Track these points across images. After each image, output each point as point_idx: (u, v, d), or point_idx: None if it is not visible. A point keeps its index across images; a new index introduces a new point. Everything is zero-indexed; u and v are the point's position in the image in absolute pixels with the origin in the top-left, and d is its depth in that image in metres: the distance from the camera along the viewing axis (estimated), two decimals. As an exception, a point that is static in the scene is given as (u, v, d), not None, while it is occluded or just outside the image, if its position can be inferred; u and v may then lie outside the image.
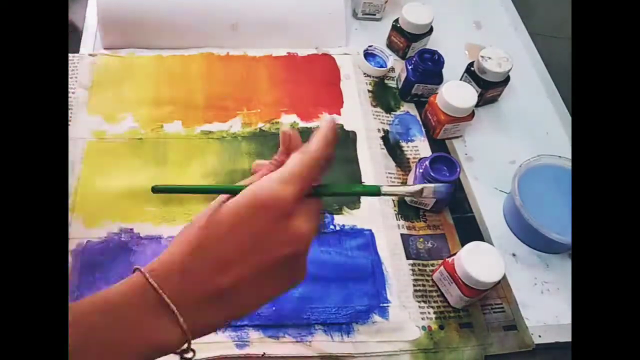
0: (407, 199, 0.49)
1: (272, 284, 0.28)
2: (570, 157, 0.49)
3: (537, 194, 0.47)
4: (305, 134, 0.54)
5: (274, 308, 0.42)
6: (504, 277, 0.46)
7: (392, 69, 0.60)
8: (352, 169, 0.51)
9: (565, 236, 0.44)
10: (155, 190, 0.29)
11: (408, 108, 0.57)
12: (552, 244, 0.46)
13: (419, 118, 0.56)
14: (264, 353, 0.40)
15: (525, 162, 0.48)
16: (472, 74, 0.56)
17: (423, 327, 0.42)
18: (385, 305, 0.43)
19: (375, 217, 0.48)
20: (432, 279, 0.45)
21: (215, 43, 0.58)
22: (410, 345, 0.41)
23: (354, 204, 0.48)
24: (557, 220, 0.45)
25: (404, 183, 0.51)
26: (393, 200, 0.49)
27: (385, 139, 0.54)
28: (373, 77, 0.59)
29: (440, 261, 0.44)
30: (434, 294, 0.44)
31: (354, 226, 0.47)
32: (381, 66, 0.59)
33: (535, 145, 0.53)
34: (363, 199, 0.49)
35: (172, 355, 0.26)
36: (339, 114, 0.55)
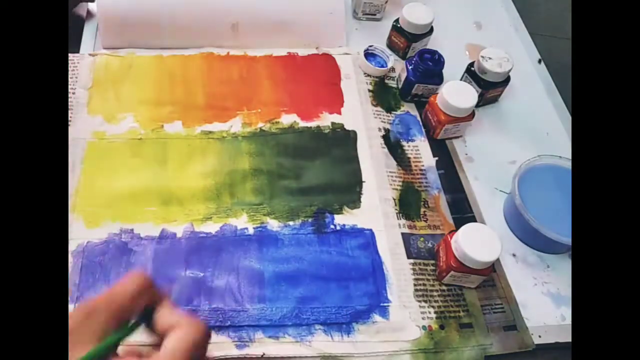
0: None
1: None
2: (570, 157, 0.49)
3: (537, 194, 0.47)
4: (306, 133, 0.54)
5: (273, 308, 0.42)
6: (505, 277, 0.46)
7: (393, 69, 0.60)
8: (352, 168, 0.51)
9: (565, 236, 0.44)
10: None
11: (408, 108, 0.57)
12: (552, 244, 0.46)
13: (419, 118, 0.56)
14: (264, 353, 0.40)
15: (525, 162, 0.48)
16: (472, 74, 0.56)
17: (423, 327, 0.42)
18: (385, 305, 0.43)
19: (375, 216, 0.48)
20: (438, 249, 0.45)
21: (215, 43, 0.58)
22: (411, 345, 0.41)
23: (354, 204, 0.48)
24: (557, 220, 0.45)
25: (405, 181, 0.51)
26: (394, 199, 0.49)
27: (386, 137, 0.54)
28: (373, 77, 0.59)
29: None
30: (435, 293, 0.44)
31: (355, 226, 0.47)
32: (382, 66, 0.59)
33: (536, 146, 0.53)
34: (364, 198, 0.49)
35: None
36: (340, 113, 0.55)
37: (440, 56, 0.55)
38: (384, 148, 0.53)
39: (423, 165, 0.52)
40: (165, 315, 0.27)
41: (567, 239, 0.44)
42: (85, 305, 0.26)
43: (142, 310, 0.28)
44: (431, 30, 0.60)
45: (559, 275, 0.47)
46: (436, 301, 0.44)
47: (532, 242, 0.48)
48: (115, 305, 0.27)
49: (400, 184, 0.51)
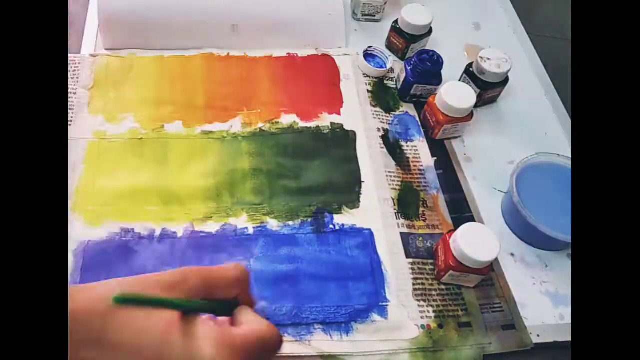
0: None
1: None
2: (568, 155, 0.49)
3: (535, 192, 0.47)
4: (305, 134, 0.54)
5: (273, 308, 0.42)
6: (503, 277, 0.46)
7: (392, 70, 0.60)
8: (351, 168, 0.51)
9: (562, 233, 0.44)
10: (118, 300, 0.25)
11: (407, 108, 0.57)
12: (550, 241, 0.46)
13: (418, 119, 0.56)
14: (264, 352, 0.40)
15: (523, 160, 0.49)
16: (471, 74, 0.56)
17: (422, 326, 0.42)
18: (384, 304, 0.43)
19: (374, 216, 0.48)
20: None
21: (215, 43, 0.59)
22: (409, 345, 0.41)
23: (354, 204, 0.49)
24: (554, 217, 0.45)
25: (404, 181, 0.51)
26: (393, 199, 0.49)
27: (385, 138, 0.54)
28: (372, 77, 0.59)
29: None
30: (434, 293, 0.44)
31: (354, 225, 0.47)
32: (381, 67, 0.60)
33: (534, 146, 0.53)
34: (363, 198, 0.49)
35: None
36: (339, 113, 0.55)
37: (439, 57, 0.55)
38: (383, 148, 0.53)
39: (422, 166, 0.53)
40: (247, 313, 0.28)
41: (564, 236, 0.44)
42: (183, 271, 0.27)
43: (229, 298, 0.28)
44: (430, 31, 0.60)
45: (557, 275, 0.47)
46: (435, 300, 0.44)
47: (529, 239, 0.48)
48: (210, 281, 0.27)
49: (399, 184, 0.51)
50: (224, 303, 0.28)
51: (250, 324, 0.27)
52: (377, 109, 0.56)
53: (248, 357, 0.26)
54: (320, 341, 0.41)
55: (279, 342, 0.28)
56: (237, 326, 0.27)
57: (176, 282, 0.27)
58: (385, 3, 0.64)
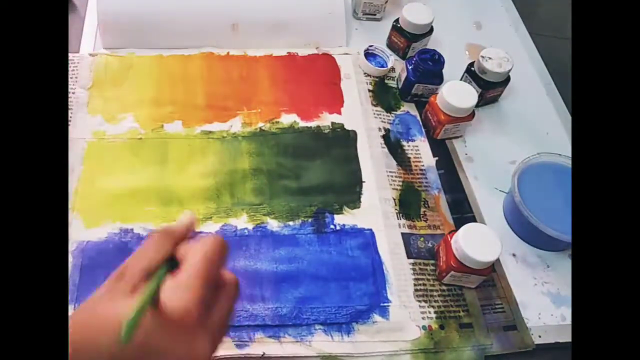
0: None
1: None
2: (569, 155, 0.49)
3: (536, 192, 0.47)
4: (306, 133, 0.54)
5: (273, 308, 0.42)
6: (505, 277, 0.46)
7: (393, 69, 0.60)
8: (352, 168, 0.51)
9: (563, 233, 0.44)
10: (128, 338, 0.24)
11: (408, 108, 0.57)
12: (551, 241, 0.46)
13: (419, 118, 0.56)
14: (264, 353, 0.40)
15: (525, 160, 0.49)
16: (472, 74, 0.56)
17: (423, 327, 0.42)
18: (385, 304, 0.43)
19: (375, 216, 0.48)
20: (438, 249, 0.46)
21: (215, 43, 0.58)
22: (411, 345, 0.41)
23: (354, 204, 0.48)
24: (556, 217, 0.45)
25: (405, 181, 0.51)
26: (394, 199, 0.49)
27: (386, 137, 0.54)
28: (373, 76, 0.59)
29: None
30: (435, 293, 0.44)
31: (355, 226, 0.47)
32: (382, 66, 0.59)
33: (536, 146, 0.53)
34: (364, 198, 0.49)
35: None
36: (340, 113, 0.55)
37: (440, 56, 0.55)
38: (384, 148, 0.53)
39: (423, 165, 0.52)
40: (183, 246, 0.29)
41: (566, 236, 0.44)
42: (117, 270, 0.27)
43: (168, 256, 0.28)
44: (431, 30, 0.60)
45: (558, 275, 0.47)
46: (436, 301, 0.44)
47: (531, 240, 0.48)
48: (143, 259, 0.27)
49: (400, 183, 0.51)
50: (164, 267, 0.28)
51: (193, 252, 0.27)
52: (378, 108, 0.56)
53: (207, 282, 0.26)
54: (321, 342, 0.41)
55: (223, 244, 0.28)
56: (182, 264, 0.27)
57: (115, 283, 0.26)
58: (386, 2, 0.63)
